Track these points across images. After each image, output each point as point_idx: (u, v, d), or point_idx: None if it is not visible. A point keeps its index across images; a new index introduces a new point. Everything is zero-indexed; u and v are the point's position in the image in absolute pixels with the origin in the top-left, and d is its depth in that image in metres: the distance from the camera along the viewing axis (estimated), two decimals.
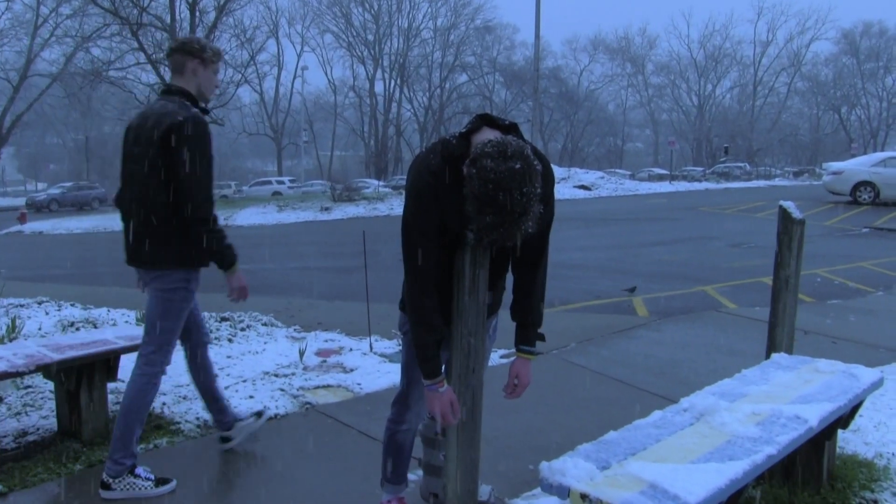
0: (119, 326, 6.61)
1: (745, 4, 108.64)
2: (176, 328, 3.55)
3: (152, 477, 3.50)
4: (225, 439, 4.01)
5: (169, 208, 3.36)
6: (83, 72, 34.17)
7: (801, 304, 5.02)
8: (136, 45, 31.11)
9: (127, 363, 5.07)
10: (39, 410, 4.59)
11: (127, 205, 3.51)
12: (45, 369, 3.93)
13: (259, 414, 4.14)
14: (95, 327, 6.77)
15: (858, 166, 20.97)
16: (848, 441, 3.97)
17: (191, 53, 3.48)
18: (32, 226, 25.19)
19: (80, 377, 4.08)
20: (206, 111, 3.55)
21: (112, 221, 25.13)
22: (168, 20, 31.43)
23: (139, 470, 3.48)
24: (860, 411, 3.61)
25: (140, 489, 3.44)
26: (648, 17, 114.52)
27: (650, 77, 74.69)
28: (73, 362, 3.99)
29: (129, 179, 3.49)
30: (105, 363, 4.22)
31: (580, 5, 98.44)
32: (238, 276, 3.54)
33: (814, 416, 2.86)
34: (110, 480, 3.42)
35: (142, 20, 30.36)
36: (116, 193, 3.61)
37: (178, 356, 5.75)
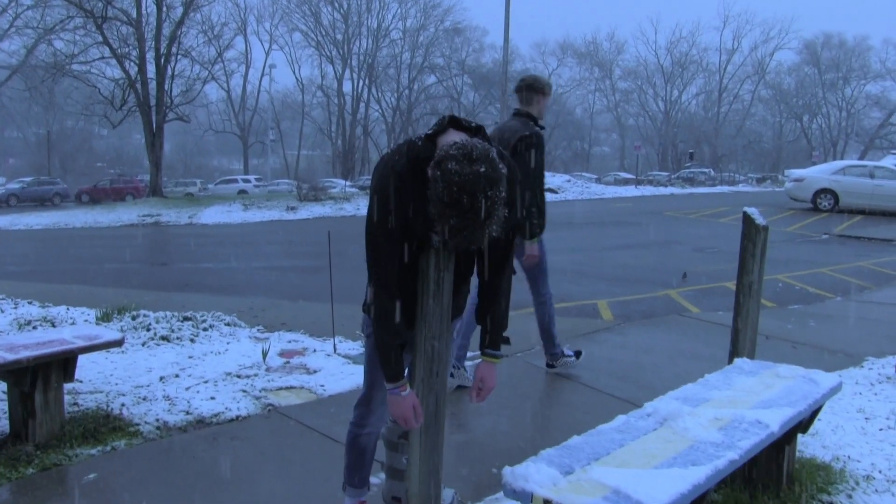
0: (78, 325, 6.49)
1: (711, 12, 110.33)
2: (545, 269, 5.12)
3: (571, 353, 5.46)
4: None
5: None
6: (45, 65, 33.50)
7: (763, 309, 5.08)
8: (100, 38, 30.63)
9: (85, 363, 5.00)
10: None
11: None
12: None
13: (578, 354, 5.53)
14: (53, 326, 6.63)
15: (819, 174, 21.35)
16: (807, 445, 4.02)
17: (538, 91, 4.98)
18: None
19: (34, 378, 3.98)
20: (542, 128, 5.00)
21: (73, 218, 24.74)
22: (134, 14, 30.98)
23: (566, 350, 5.45)
24: (819, 415, 3.66)
25: (570, 364, 5.43)
26: (617, 22, 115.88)
27: (617, 82, 75.35)
28: (28, 363, 3.89)
29: None
30: (62, 363, 4.13)
31: (549, 9, 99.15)
32: (535, 246, 4.89)
33: (775, 421, 2.89)
34: (553, 363, 5.41)
35: (107, 13, 29.90)
36: None
37: (132, 358, 5.66)
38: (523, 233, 4.77)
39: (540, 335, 5.38)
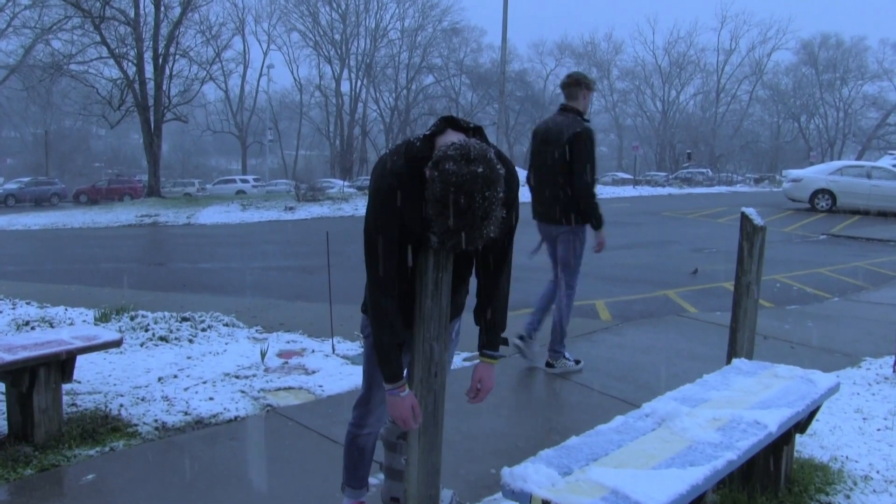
0: (76, 326, 6.48)
1: (709, 13, 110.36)
2: (580, 262, 5.29)
3: (572, 358, 5.45)
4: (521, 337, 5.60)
5: (570, 187, 5.09)
6: (43, 64, 33.45)
7: (761, 310, 5.09)
8: (98, 38, 30.59)
9: (84, 364, 4.99)
10: None
11: (539, 184, 5.30)
12: None
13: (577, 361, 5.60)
14: (52, 327, 6.63)
15: (817, 174, 21.37)
16: (805, 445, 4.03)
17: (585, 86, 5.20)
18: None
19: (33, 378, 3.98)
20: (587, 121, 5.26)
21: (71, 218, 24.70)
22: (132, 14, 30.95)
23: (567, 354, 5.44)
24: (817, 416, 3.66)
25: (569, 367, 5.40)
26: (614, 22, 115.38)
27: (615, 82, 75.26)
28: (26, 363, 3.88)
29: (541, 167, 5.27)
30: (60, 364, 4.12)
31: (547, 9, 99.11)
32: (602, 234, 5.23)
33: (773, 421, 2.89)
34: (553, 362, 5.40)
35: (105, 13, 29.85)
36: (527, 175, 5.40)
37: (131, 358, 5.66)
38: (591, 223, 5.18)
39: (553, 327, 5.41)
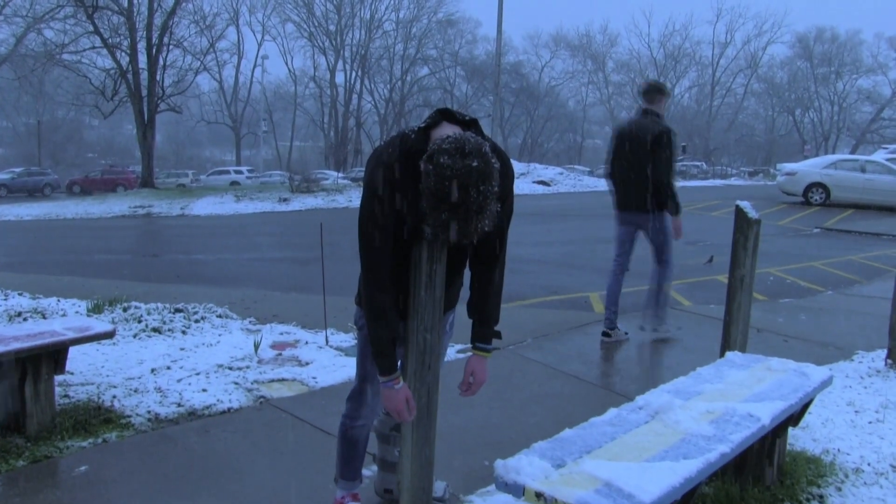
0: (69, 317, 6.46)
1: (704, 5, 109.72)
2: (672, 243, 6.06)
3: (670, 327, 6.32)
4: (606, 334, 6.17)
5: (655, 179, 5.71)
6: (35, 54, 33.22)
7: (755, 303, 5.10)
8: (91, 28, 30.39)
9: (76, 355, 4.98)
10: None
11: (626, 177, 5.94)
12: None
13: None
14: (44, 318, 6.60)
15: (811, 168, 21.42)
16: (797, 438, 4.04)
17: (664, 93, 5.93)
18: None
19: (25, 370, 3.97)
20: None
21: (64, 209, 24.61)
22: (125, 4, 30.75)
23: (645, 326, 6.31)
24: (809, 409, 3.67)
25: (668, 332, 6.26)
26: (610, 14, 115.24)
27: (610, 75, 75.17)
28: (18, 354, 3.87)
29: (629, 162, 5.85)
30: (53, 355, 4.11)
31: (543, 1, 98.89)
32: (680, 220, 5.92)
33: (766, 414, 2.90)
34: (658, 327, 6.20)
35: (97, 3, 29.64)
36: (609, 170, 6.14)
37: (123, 349, 5.65)
38: (671, 210, 5.82)
39: (655, 297, 6.13)
